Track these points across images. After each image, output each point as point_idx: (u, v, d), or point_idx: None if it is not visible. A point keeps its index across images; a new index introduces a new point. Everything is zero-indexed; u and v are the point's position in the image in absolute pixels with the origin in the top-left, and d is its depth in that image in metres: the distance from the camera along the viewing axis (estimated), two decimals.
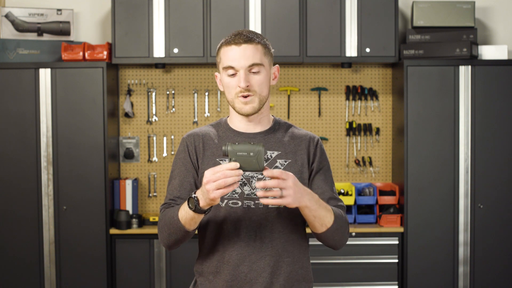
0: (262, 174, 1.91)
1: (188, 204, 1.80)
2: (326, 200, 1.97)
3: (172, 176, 2.02)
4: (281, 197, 1.73)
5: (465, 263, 4.20)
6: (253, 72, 1.94)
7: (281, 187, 1.72)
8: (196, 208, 1.78)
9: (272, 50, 2.03)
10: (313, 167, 2.01)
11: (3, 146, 4.17)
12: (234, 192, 1.93)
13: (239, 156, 1.72)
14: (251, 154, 1.72)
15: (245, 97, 1.93)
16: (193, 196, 1.79)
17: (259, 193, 1.73)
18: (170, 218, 1.89)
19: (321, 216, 1.85)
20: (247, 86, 1.91)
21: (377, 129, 4.60)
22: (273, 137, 2.01)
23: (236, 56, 1.92)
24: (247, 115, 1.97)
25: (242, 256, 1.93)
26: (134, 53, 4.26)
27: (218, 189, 1.70)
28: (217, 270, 1.96)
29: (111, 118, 4.32)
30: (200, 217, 1.83)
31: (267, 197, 1.73)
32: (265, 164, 1.93)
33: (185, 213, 1.83)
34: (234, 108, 1.98)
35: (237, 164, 1.70)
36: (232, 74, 1.94)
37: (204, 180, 1.72)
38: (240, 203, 1.94)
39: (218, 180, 1.70)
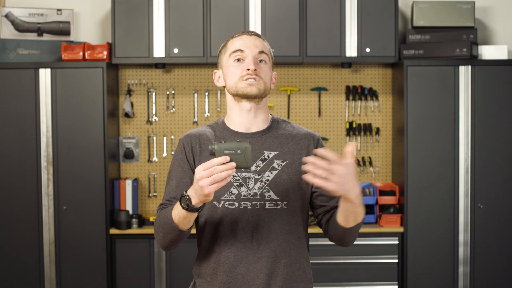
0: (249, 170, 1.92)
1: (181, 203, 1.79)
2: (328, 199, 1.97)
3: (169, 178, 2.01)
4: (326, 179, 1.67)
5: (465, 263, 4.19)
6: (260, 61, 1.97)
7: (330, 171, 1.66)
8: (189, 207, 1.76)
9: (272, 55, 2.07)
10: None
11: (3, 146, 4.18)
12: (231, 193, 1.93)
13: (227, 154, 1.71)
14: (238, 151, 1.72)
15: (252, 79, 1.93)
16: (184, 195, 1.77)
17: (306, 167, 1.68)
18: (164, 218, 1.88)
19: (356, 213, 1.82)
20: (255, 70, 1.93)
21: (377, 129, 4.59)
22: (271, 137, 1.99)
23: (246, 43, 1.97)
24: (250, 96, 1.94)
25: (239, 258, 1.92)
26: (134, 53, 4.26)
27: (212, 184, 1.69)
28: (214, 271, 1.95)
29: (111, 118, 4.32)
30: (193, 216, 1.81)
31: (314, 174, 1.67)
32: (262, 164, 1.93)
33: (178, 212, 1.82)
34: (237, 91, 1.95)
35: (227, 158, 1.70)
36: (239, 59, 1.96)
37: (197, 176, 1.70)
38: (236, 204, 1.92)
39: (212, 175, 1.68)
